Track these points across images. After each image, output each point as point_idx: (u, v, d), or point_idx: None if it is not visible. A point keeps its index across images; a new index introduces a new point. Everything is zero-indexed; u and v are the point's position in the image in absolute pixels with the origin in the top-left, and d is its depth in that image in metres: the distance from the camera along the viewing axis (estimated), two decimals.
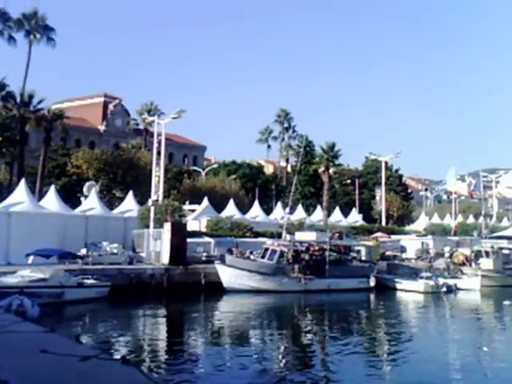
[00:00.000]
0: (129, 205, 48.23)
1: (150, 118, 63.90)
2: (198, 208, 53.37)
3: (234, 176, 79.58)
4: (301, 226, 50.93)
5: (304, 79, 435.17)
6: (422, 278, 40.32)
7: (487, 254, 45.63)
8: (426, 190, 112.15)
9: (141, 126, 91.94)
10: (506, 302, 35.20)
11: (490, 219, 74.61)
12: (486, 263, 44.49)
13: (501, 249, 48.16)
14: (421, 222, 72.20)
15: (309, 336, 24.13)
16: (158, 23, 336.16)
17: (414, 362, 18.97)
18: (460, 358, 20.28)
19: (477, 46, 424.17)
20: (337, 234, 43.69)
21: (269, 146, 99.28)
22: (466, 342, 23.51)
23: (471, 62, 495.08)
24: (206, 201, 54.51)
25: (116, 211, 47.88)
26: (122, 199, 52.85)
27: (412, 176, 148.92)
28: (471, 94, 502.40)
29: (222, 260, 36.14)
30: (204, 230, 46.11)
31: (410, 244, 52.73)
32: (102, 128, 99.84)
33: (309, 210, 71.10)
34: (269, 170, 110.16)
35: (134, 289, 30.94)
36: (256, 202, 63.04)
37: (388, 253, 48.92)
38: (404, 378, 16.73)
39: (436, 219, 77.30)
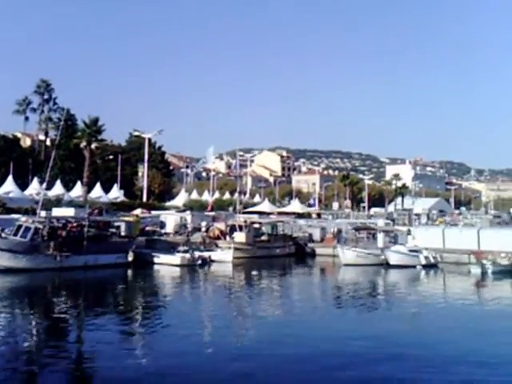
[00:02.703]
0: None
1: None
2: None
3: None
4: (58, 202, 49.24)
5: (68, 48, 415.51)
6: (179, 251, 41.79)
7: (240, 228, 48.81)
8: (187, 167, 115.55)
9: None
10: (254, 272, 38.28)
11: (244, 195, 79.97)
12: (239, 236, 47.68)
13: (252, 223, 51.89)
14: (181, 198, 74.52)
15: (62, 315, 23.55)
16: None
17: (168, 330, 20.07)
18: (212, 321, 22.01)
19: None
20: (96, 210, 43.27)
21: (26, 118, 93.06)
22: (217, 307, 25.46)
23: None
24: None
25: None
26: None
27: (174, 153, 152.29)
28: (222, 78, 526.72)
29: None
30: None
31: (170, 219, 54.14)
32: None
33: (68, 185, 68.93)
34: (26, 143, 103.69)
35: None
36: (10, 177, 59.45)
37: (148, 228, 49.67)
38: (158, 348, 17.51)
39: (195, 195, 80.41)
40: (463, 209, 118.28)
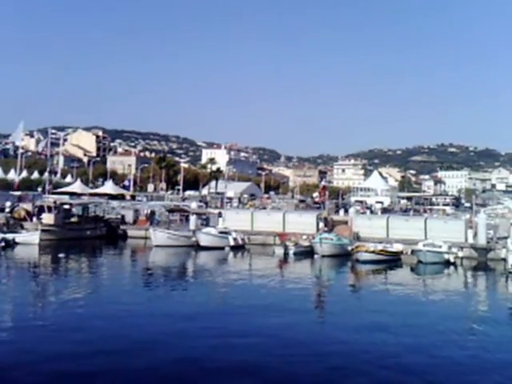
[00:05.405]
0: None
1: None
2: None
3: None
4: None
5: None
6: None
7: (49, 209, 46.91)
8: None
9: None
10: (61, 255, 37.11)
11: (55, 175, 76.72)
12: (47, 218, 45.82)
13: (62, 204, 50.06)
14: None
15: None
16: None
17: None
18: (8, 306, 21.15)
19: None
20: None
21: None
22: (17, 291, 24.42)
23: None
24: None
25: None
26: None
27: None
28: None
29: None
30: None
31: None
32: None
33: None
34: None
35: None
36: None
37: None
38: None
39: (0, 173, 75.60)
40: (272, 193, 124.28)
